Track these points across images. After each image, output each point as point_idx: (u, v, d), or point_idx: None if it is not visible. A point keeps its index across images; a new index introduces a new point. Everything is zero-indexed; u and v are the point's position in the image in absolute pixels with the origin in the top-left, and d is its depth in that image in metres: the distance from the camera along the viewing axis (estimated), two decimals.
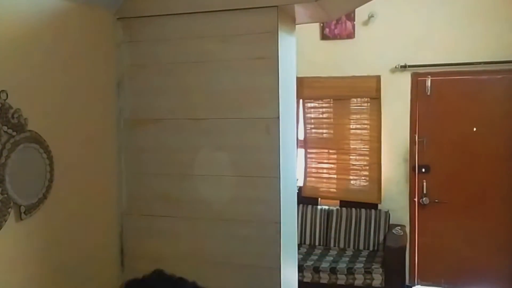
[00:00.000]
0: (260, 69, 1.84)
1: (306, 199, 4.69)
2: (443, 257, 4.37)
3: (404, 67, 4.31)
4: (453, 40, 4.19)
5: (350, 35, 4.50)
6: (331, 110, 4.81)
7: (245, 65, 1.86)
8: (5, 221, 1.46)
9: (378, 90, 4.45)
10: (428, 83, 4.26)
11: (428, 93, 4.28)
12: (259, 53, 1.83)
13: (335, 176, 4.80)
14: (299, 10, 1.94)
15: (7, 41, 1.49)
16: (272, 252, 1.87)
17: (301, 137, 4.68)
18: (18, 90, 1.50)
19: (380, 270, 4.03)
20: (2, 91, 1.44)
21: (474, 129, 4.19)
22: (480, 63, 4.06)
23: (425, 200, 4.40)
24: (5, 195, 1.45)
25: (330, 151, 4.80)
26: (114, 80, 2.02)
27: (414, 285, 4.48)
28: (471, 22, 4.13)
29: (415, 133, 4.37)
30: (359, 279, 4.05)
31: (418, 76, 4.32)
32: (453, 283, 4.34)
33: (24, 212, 1.53)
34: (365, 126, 4.63)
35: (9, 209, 1.47)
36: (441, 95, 4.28)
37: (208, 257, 1.99)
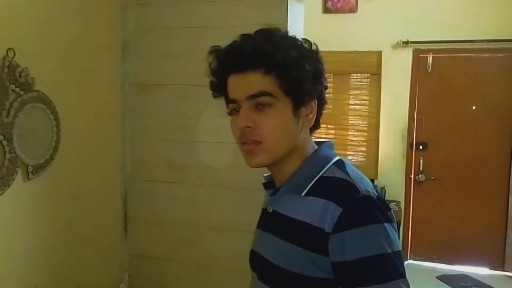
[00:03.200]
0: None
1: None
2: (437, 233, 4.44)
3: (406, 43, 4.27)
4: (456, 17, 4.15)
5: (353, 9, 4.44)
6: (331, 85, 4.78)
7: (252, 31, 1.83)
8: (13, 180, 1.46)
9: (379, 66, 4.42)
10: (430, 60, 4.24)
11: (429, 70, 4.26)
12: (267, 20, 1.80)
13: None
14: None
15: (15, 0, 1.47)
16: None
17: None
18: (25, 49, 1.49)
19: None
20: (10, 48, 1.42)
21: (473, 107, 4.19)
22: (482, 41, 4.03)
23: (421, 177, 4.44)
24: (13, 154, 1.45)
25: (329, 126, 4.80)
26: (119, 44, 2.00)
27: (407, 260, 4.56)
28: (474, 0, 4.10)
29: (414, 110, 4.37)
30: None
31: (419, 52, 4.29)
32: (445, 258, 4.41)
33: (32, 172, 1.54)
34: (365, 102, 4.63)
35: (17, 168, 1.48)
36: (442, 72, 4.26)
37: (211, 223, 2.02)
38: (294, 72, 0.91)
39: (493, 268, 4.24)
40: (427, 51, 4.25)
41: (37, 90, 1.53)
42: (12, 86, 1.43)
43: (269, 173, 1.05)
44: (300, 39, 0.99)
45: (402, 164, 4.52)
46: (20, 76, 1.46)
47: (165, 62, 1.98)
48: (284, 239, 0.93)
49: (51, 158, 1.62)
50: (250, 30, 1.85)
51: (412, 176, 4.48)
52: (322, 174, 0.95)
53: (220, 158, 1.97)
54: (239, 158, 2.00)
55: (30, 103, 1.50)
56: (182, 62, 1.96)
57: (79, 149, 1.78)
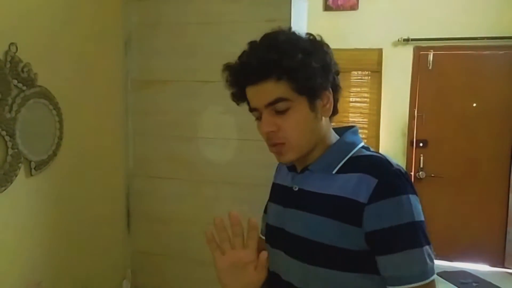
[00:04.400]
0: None
1: None
2: (437, 230, 4.42)
3: (406, 41, 4.27)
4: (457, 15, 4.15)
5: (354, 7, 4.44)
6: None
7: (256, 27, 1.81)
8: (16, 176, 1.45)
9: (380, 63, 4.42)
10: (430, 57, 4.24)
11: (430, 68, 4.26)
12: (270, 15, 1.80)
13: None
14: None
15: None
16: None
17: None
18: (27, 44, 1.47)
19: None
20: (12, 43, 1.41)
21: (474, 104, 4.20)
22: (483, 38, 4.03)
23: (422, 174, 4.44)
24: (16, 150, 1.45)
25: None
26: (121, 39, 1.99)
27: None
28: None
29: (415, 108, 4.37)
30: None
31: (420, 50, 4.29)
32: (445, 255, 4.41)
33: (35, 168, 1.53)
34: (365, 99, 4.63)
35: (20, 164, 1.47)
36: (442, 69, 4.26)
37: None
38: (303, 73, 0.95)
39: (493, 264, 4.25)
40: (428, 48, 4.25)
41: (39, 86, 1.52)
42: (15, 81, 1.42)
43: None
44: (304, 35, 1.04)
45: (402, 161, 4.52)
46: (22, 71, 1.45)
47: (168, 58, 1.97)
48: (314, 213, 0.99)
49: (54, 154, 1.61)
50: (254, 26, 1.85)
51: (412, 173, 4.48)
52: (351, 156, 1.02)
53: (223, 154, 1.97)
54: (242, 154, 2.00)
55: (33, 98, 1.50)
56: (185, 58, 1.95)
57: (81, 145, 1.77)
